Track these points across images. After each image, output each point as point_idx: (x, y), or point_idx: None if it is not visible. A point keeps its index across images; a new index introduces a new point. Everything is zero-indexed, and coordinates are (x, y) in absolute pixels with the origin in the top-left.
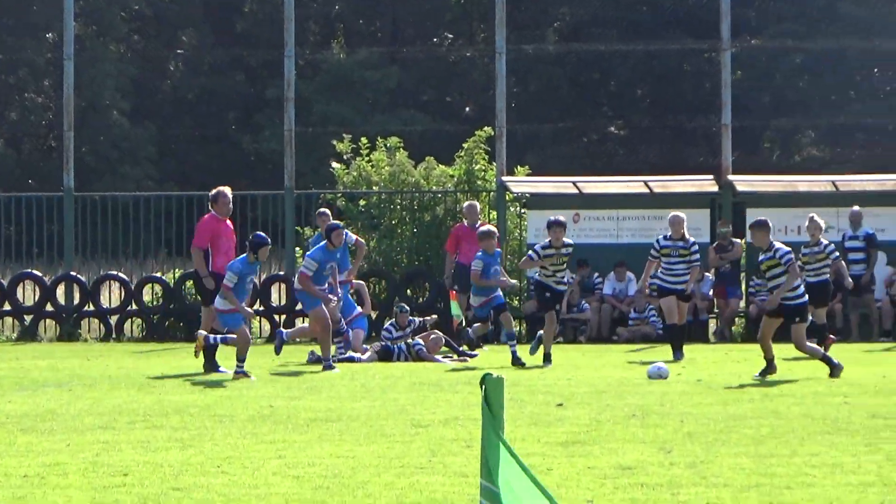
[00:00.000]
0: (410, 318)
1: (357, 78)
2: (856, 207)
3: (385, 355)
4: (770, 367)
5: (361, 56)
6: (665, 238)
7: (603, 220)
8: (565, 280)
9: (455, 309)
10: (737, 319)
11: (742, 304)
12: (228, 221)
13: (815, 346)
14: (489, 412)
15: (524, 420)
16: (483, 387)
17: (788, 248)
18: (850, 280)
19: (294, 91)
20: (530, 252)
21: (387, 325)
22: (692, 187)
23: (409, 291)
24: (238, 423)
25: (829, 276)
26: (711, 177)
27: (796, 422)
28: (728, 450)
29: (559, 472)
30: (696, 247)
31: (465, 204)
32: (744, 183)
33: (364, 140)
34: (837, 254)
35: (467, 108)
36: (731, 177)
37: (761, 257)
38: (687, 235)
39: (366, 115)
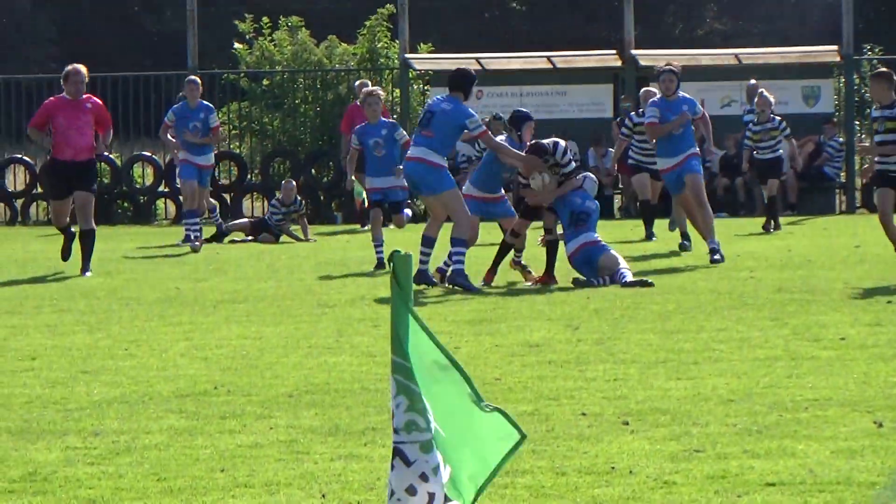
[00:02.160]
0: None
1: None
2: (752, 80)
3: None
4: None
5: None
6: (638, 115)
7: (506, 97)
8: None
9: (357, 188)
10: None
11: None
12: (88, 102)
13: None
14: (398, 287)
15: (430, 299)
16: (391, 263)
17: None
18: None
19: None
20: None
21: (273, 201)
22: (595, 62)
23: (313, 171)
24: (145, 306)
25: (782, 151)
26: (614, 51)
27: (702, 297)
28: (635, 326)
29: (466, 350)
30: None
31: (356, 83)
32: (646, 57)
33: (266, 19)
34: (789, 130)
35: None
36: (633, 51)
37: (876, 113)
38: None
39: None
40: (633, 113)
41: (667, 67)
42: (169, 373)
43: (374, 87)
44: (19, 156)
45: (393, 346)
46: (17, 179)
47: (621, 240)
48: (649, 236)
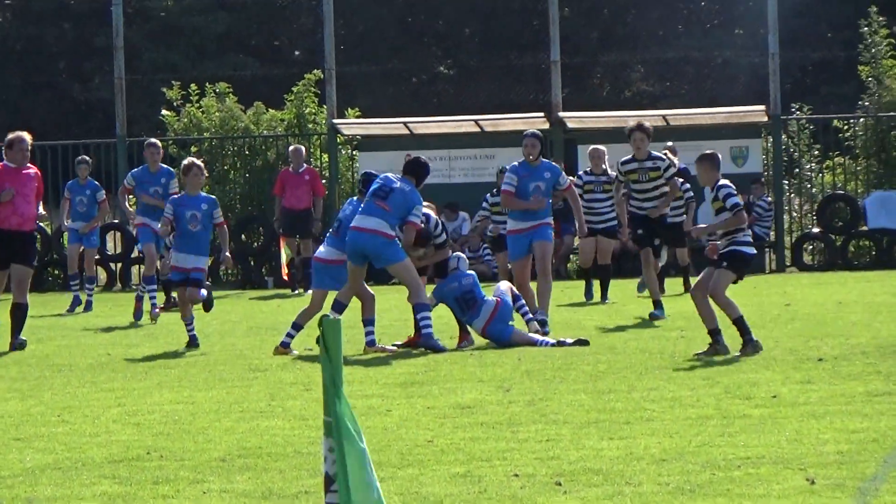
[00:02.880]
0: None
1: (185, 24)
2: (669, 143)
3: None
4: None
5: (189, 1)
6: (587, 173)
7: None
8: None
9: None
10: (572, 256)
11: (576, 241)
12: (31, 170)
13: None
14: (326, 351)
15: (361, 362)
16: (320, 328)
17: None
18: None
19: (122, 39)
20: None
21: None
22: (523, 125)
23: (243, 237)
24: (77, 372)
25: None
26: (542, 114)
27: (634, 357)
28: (566, 387)
29: (398, 413)
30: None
31: (290, 148)
32: (574, 119)
33: (194, 86)
34: (692, 193)
35: (296, 52)
36: (561, 114)
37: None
38: (609, 169)
39: (195, 61)
40: (582, 172)
41: (530, 132)
42: (102, 439)
43: (194, 160)
44: None
45: (326, 408)
46: None
47: (557, 302)
48: (604, 298)
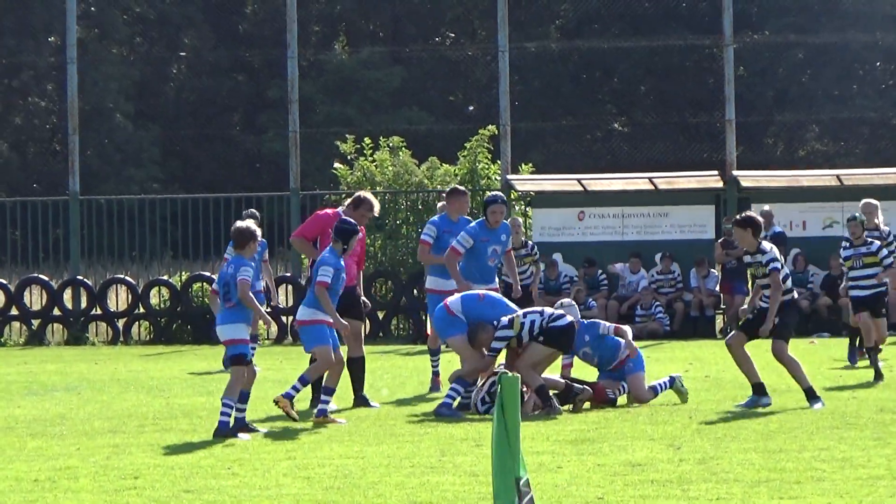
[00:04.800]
0: None
1: (360, 78)
2: (766, 207)
3: None
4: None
5: (364, 56)
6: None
7: (608, 218)
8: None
9: None
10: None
11: (746, 300)
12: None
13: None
14: (502, 406)
15: (533, 418)
16: (498, 385)
17: (774, 255)
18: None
19: (297, 92)
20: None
21: None
22: (697, 183)
23: (415, 292)
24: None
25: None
26: (716, 172)
27: (804, 417)
28: (737, 445)
29: (569, 470)
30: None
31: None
32: (748, 178)
33: (367, 140)
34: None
35: (470, 107)
36: (735, 172)
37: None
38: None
39: (369, 115)
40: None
41: (500, 197)
42: (272, 492)
43: (251, 223)
44: (121, 276)
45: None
46: (118, 299)
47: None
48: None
